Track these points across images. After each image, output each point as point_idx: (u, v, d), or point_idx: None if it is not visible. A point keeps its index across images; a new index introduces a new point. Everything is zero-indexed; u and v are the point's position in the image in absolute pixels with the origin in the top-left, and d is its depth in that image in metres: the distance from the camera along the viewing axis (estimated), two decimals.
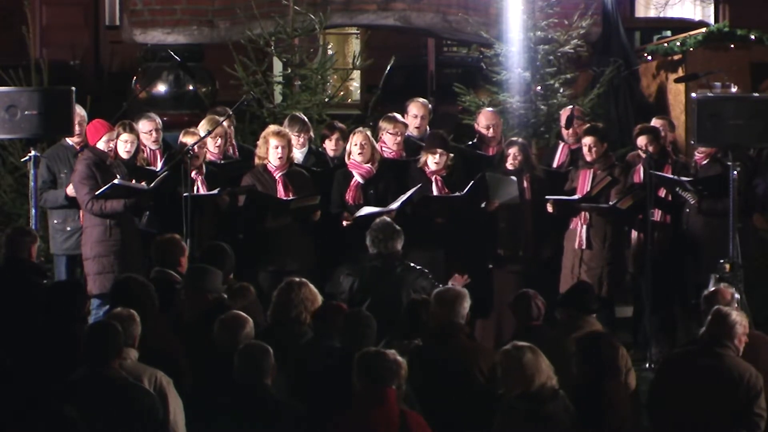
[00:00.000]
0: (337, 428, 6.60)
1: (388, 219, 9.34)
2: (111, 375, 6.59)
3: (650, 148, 10.70)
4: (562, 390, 6.82)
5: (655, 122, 11.36)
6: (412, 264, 9.16)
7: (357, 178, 10.52)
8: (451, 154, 10.64)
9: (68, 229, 10.58)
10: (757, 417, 7.26)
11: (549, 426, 6.69)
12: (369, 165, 10.54)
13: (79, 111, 10.74)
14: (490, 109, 11.96)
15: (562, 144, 11.46)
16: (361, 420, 6.52)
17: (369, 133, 10.71)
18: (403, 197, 10.29)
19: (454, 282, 9.24)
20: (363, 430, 6.50)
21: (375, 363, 6.58)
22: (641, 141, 10.78)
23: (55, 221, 10.64)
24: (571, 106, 11.89)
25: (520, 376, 6.74)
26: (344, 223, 10.34)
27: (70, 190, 10.44)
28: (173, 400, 6.87)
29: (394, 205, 10.25)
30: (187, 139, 10.61)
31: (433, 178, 10.57)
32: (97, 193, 10.12)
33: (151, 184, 10.18)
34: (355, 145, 10.53)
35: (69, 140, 10.72)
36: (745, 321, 7.51)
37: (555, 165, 11.34)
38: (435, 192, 10.54)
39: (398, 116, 11.06)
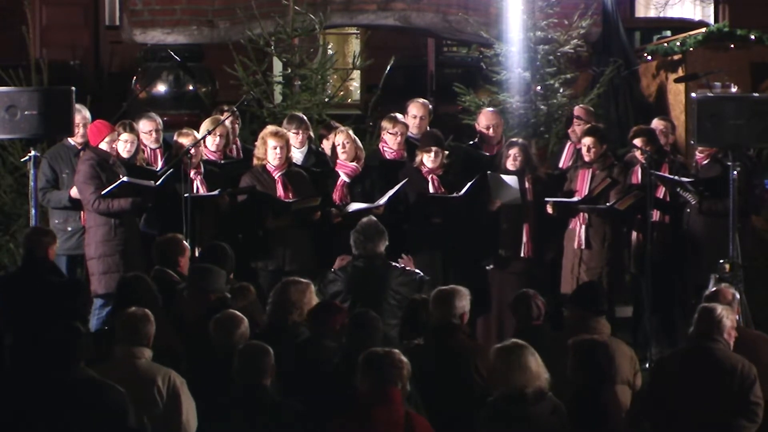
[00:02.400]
0: (341, 428, 6.60)
1: (374, 218, 9.31)
2: (78, 376, 6.53)
3: (647, 149, 10.69)
4: (551, 392, 6.79)
5: (656, 123, 11.36)
6: (394, 264, 9.15)
7: (343, 177, 10.54)
8: (446, 152, 10.63)
9: (69, 229, 10.58)
10: (754, 405, 7.29)
11: (530, 428, 6.65)
12: (354, 164, 10.55)
13: (85, 113, 10.75)
14: (491, 109, 11.96)
15: (569, 143, 11.44)
16: (365, 420, 6.51)
17: (351, 131, 10.73)
18: (390, 192, 10.29)
19: (402, 262, 9.30)
20: (367, 429, 6.50)
21: (383, 363, 6.57)
22: (637, 143, 10.78)
23: (56, 221, 10.63)
24: (580, 106, 11.91)
25: (503, 377, 6.72)
26: (335, 220, 10.36)
27: (74, 193, 10.44)
28: (186, 400, 6.89)
29: (382, 200, 10.26)
30: (182, 140, 10.62)
31: (429, 177, 10.57)
32: (104, 191, 10.12)
33: (158, 181, 10.19)
34: (338, 145, 10.54)
35: (71, 140, 10.72)
36: (732, 315, 7.53)
37: (562, 164, 11.34)
38: (431, 191, 10.53)
39: (399, 116, 11.06)
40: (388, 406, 6.52)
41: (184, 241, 9.21)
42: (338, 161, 10.57)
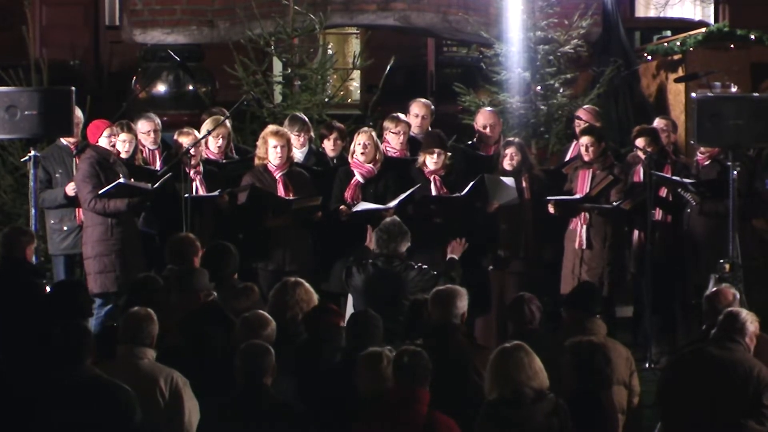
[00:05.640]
0: (364, 426, 6.60)
1: (397, 218, 9.31)
2: (87, 375, 6.52)
3: (649, 149, 10.69)
4: (552, 394, 6.77)
5: (657, 122, 11.35)
6: (412, 263, 9.15)
7: (357, 177, 10.52)
8: (449, 153, 10.64)
9: (65, 228, 10.58)
10: (766, 409, 7.28)
11: (529, 428, 6.60)
12: (371, 165, 10.53)
13: (76, 112, 10.74)
14: (489, 108, 11.96)
15: (575, 142, 11.44)
16: (388, 419, 6.52)
17: (374, 133, 10.71)
18: (402, 196, 10.30)
19: (453, 247, 9.39)
20: (388, 429, 6.51)
21: (416, 362, 6.60)
22: (640, 142, 10.77)
23: (52, 221, 10.63)
24: (584, 107, 11.92)
25: (501, 378, 6.71)
26: (342, 217, 10.35)
27: (70, 190, 10.44)
28: (189, 400, 6.88)
29: (392, 204, 10.26)
30: (182, 139, 10.62)
31: (431, 178, 10.57)
32: (100, 192, 10.12)
33: (155, 184, 10.19)
34: (359, 144, 10.52)
35: (64, 140, 10.72)
36: (756, 322, 7.53)
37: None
38: (434, 192, 10.54)
39: (401, 116, 11.05)
40: (413, 406, 6.53)
41: (197, 241, 9.17)
42: (355, 161, 10.55)
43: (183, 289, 8.20)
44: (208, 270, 8.52)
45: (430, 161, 10.55)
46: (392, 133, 10.88)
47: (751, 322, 7.46)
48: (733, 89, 13.02)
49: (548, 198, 10.58)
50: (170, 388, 6.86)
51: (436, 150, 10.54)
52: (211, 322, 7.71)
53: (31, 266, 9.21)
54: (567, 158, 11.35)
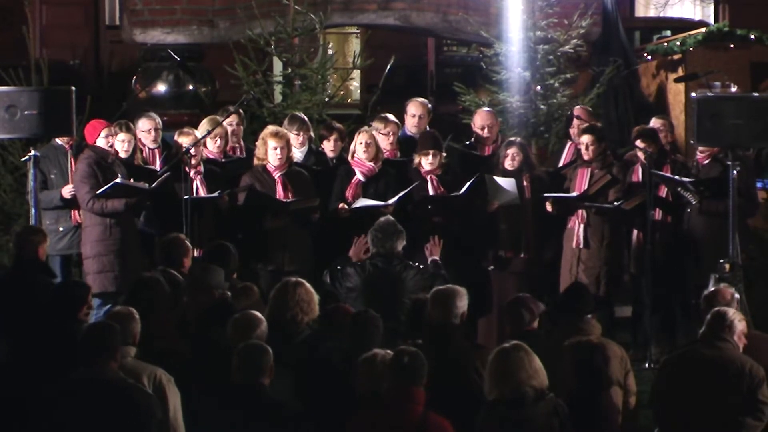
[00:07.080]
0: (357, 424, 6.60)
1: (391, 218, 9.33)
2: (109, 376, 6.57)
3: (649, 149, 10.69)
4: (552, 393, 6.77)
5: (654, 122, 11.36)
6: (410, 262, 9.15)
7: (358, 176, 10.54)
8: (444, 153, 10.64)
9: (61, 229, 10.59)
10: (762, 404, 7.33)
11: (530, 428, 6.62)
12: (372, 164, 10.55)
13: None
14: (487, 108, 11.96)
15: (569, 143, 11.45)
16: (382, 418, 6.52)
17: (374, 132, 10.72)
18: (401, 193, 10.31)
19: (428, 247, 9.38)
20: (381, 428, 6.51)
21: (413, 362, 6.61)
22: (640, 143, 10.77)
23: (48, 222, 10.63)
24: (579, 106, 11.92)
25: (500, 378, 6.72)
26: (341, 213, 10.35)
27: (66, 193, 10.44)
28: (173, 396, 6.88)
29: (392, 200, 10.28)
30: (182, 139, 10.62)
31: (428, 178, 10.58)
32: (98, 192, 10.13)
33: (153, 184, 10.19)
34: (360, 143, 10.54)
35: (59, 140, 10.72)
36: (743, 319, 7.56)
37: (562, 164, 11.32)
38: (431, 191, 10.55)
39: (390, 116, 11.08)
40: (409, 406, 6.54)
41: (188, 241, 9.19)
42: (356, 159, 10.55)
43: (196, 287, 8.20)
44: None
45: (426, 162, 10.56)
46: (381, 134, 10.90)
47: (739, 320, 7.50)
48: (733, 89, 13.02)
49: (546, 195, 10.59)
50: (153, 384, 6.85)
51: (431, 151, 10.55)
52: (220, 321, 7.71)
53: (44, 265, 9.24)
54: (563, 159, 11.36)
